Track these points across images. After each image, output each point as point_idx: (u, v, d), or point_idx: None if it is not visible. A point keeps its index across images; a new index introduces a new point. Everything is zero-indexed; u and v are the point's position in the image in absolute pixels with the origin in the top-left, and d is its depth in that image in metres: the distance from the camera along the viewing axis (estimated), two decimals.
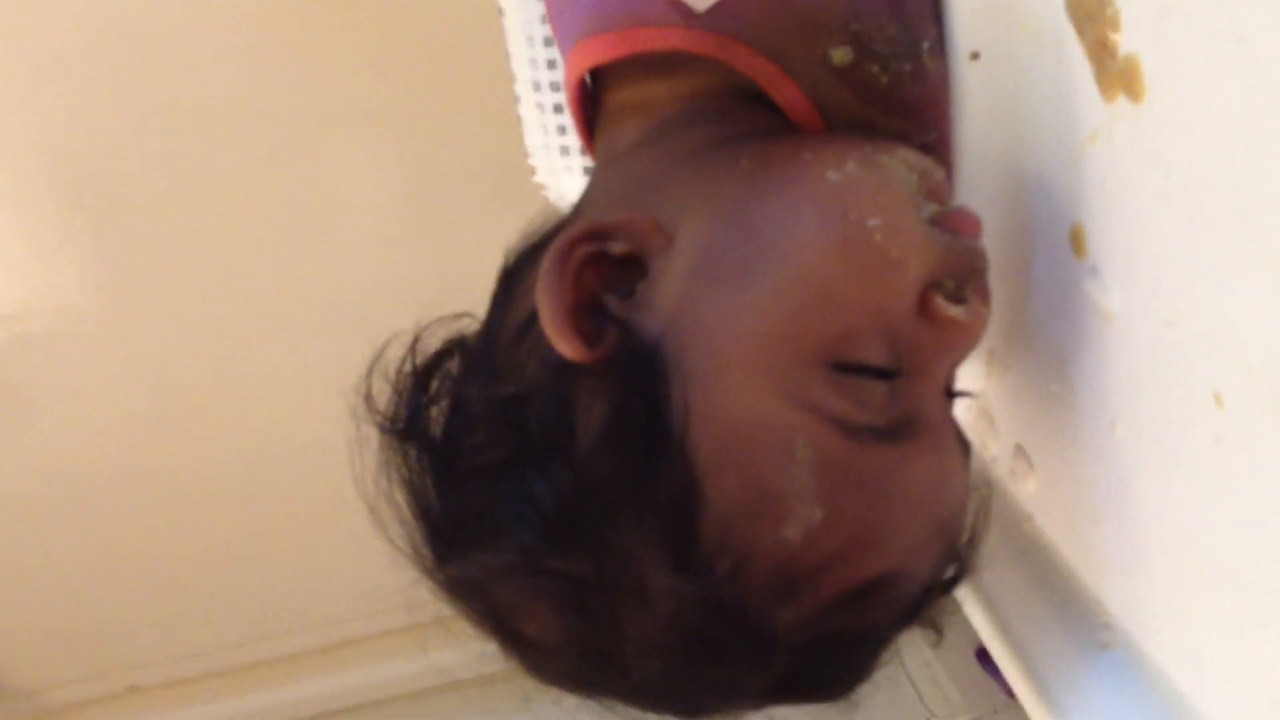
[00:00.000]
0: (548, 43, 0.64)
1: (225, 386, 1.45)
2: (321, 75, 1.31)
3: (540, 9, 0.62)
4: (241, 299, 1.41)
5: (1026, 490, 0.54)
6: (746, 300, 0.40)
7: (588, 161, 0.62)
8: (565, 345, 0.40)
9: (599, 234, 0.42)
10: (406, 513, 0.45)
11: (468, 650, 0.47)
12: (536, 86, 0.66)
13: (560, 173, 0.69)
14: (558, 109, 0.66)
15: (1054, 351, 0.47)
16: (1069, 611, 0.52)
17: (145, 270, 1.38)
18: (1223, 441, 0.38)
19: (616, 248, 0.42)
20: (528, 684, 0.46)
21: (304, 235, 1.39)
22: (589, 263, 0.42)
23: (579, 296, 0.41)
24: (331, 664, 1.64)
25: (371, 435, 0.46)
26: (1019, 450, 0.54)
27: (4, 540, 1.49)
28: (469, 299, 0.48)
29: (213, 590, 1.58)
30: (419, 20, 1.29)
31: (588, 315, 0.41)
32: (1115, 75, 0.39)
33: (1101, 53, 0.40)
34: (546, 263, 0.41)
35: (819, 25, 0.46)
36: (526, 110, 0.69)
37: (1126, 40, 0.38)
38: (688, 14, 0.46)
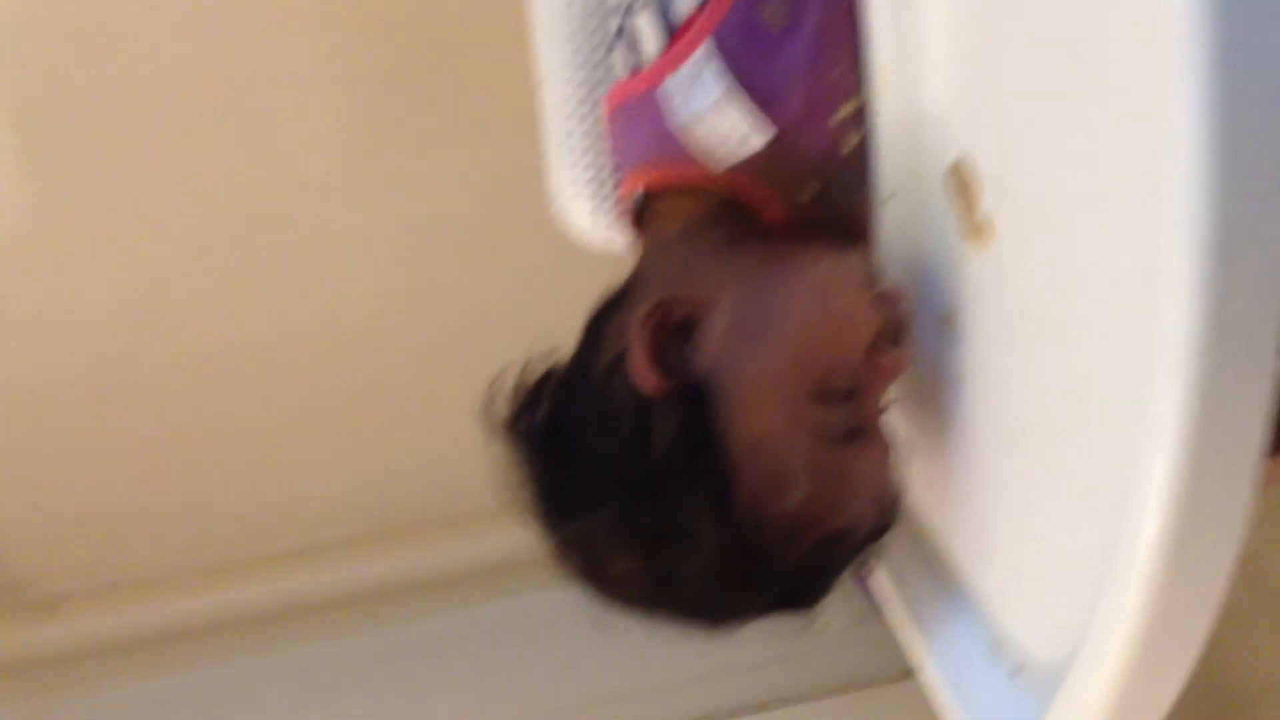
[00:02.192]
0: (580, 101, 0.89)
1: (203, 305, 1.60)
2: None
3: (579, 76, 0.88)
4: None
5: (909, 471, 0.81)
6: (762, 352, 0.66)
7: (591, 184, 0.90)
8: (648, 381, 0.66)
9: (667, 305, 0.68)
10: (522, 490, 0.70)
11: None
12: (569, 134, 0.91)
13: (571, 193, 0.94)
14: (584, 150, 0.90)
15: (929, 390, 0.75)
16: (924, 550, 0.80)
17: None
18: (1026, 462, 0.65)
19: (678, 313, 0.68)
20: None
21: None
22: (660, 324, 0.68)
23: (655, 346, 0.67)
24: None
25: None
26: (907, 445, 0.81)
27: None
28: None
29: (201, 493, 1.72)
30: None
31: (658, 359, 0.67)
32: (975, 226, 0.66)
33: (968, 210, 0.67)
34: (636, 326, 0.67)
35: (798, 172, 0.73)
36: (553, 157, 0.93)
37: (984, 205, 0.66)
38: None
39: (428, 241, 1.64)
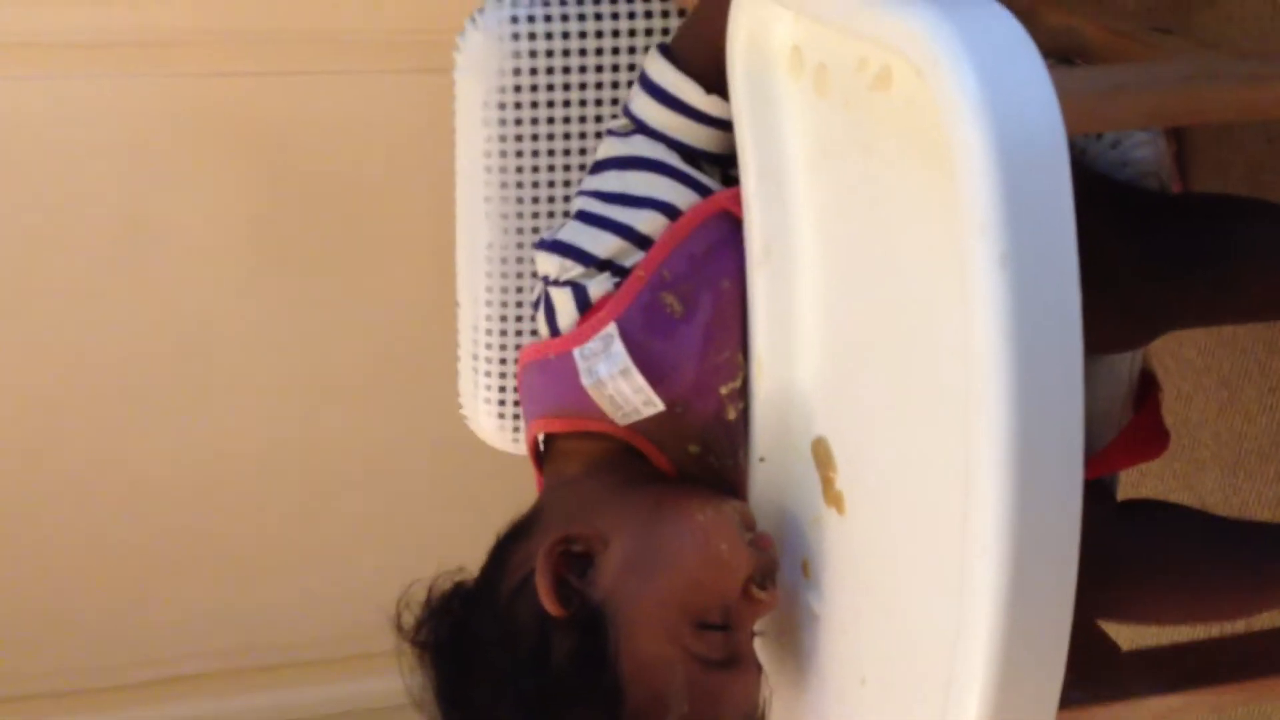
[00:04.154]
0: (489, 332, 1.01)
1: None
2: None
3: (487, 311, 1.00)
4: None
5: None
6: (651, 586, 0.77)
7: (495, 404, 1.01)
8: (550, 606, 0.76)
9: (569, 540, 0.79)
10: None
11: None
12: (475, 356, 1.03)
13: (478, 406, 1.04)
14: (487, 374, 1.02)
15: (786, 629, 0.86)
16: None
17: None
18: (864, 702, 0.77)
19: (577, 547, 0.79)
20: None
21: None
22: (561, 555, 0.78)
23: (556, 575, 0.77)
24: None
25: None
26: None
27: None
28: None
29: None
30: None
31: (559, 587, 0.77)
32: (833, 495, 0.79)
33: (827, 481, 0.80)
34: (541, 555, 0.77)
35: (684, 433, 0.85)
36: (464, 368, 1.05)
37: (840, 480, 0.78)
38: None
39: (324, 390, 1.73)
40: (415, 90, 1.52)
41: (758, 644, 0.83)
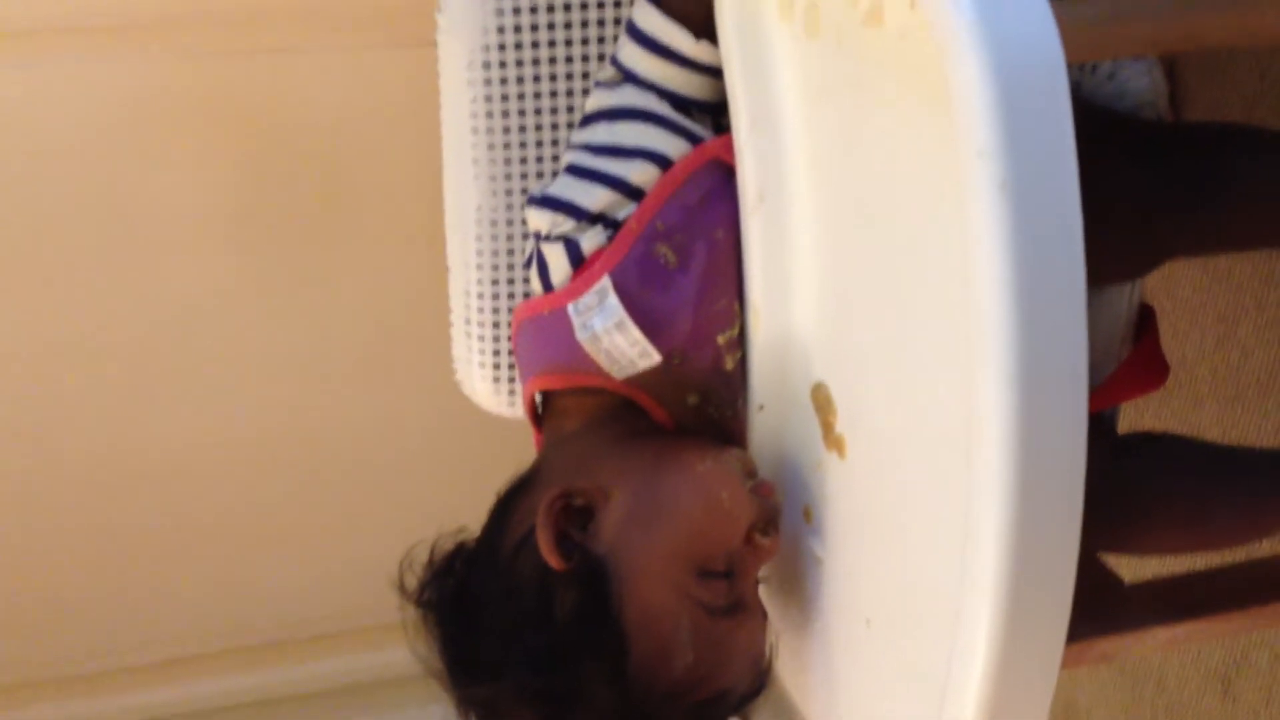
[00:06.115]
0: (480, 296, 1.00)
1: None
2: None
3: (478, 275, 0.99)
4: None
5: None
6: (653, 536, 0.77)
7: (490, 367, 1.00)
8: (552, 560, 0.76)
9: (569, 494, 0.78)
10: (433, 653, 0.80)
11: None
12: (467, 320, 1.02)
13: (472, 370, 1.04)
14: (481, 339, 1.02)
15: (790, 575, 0.86)
16: (783, 709, 0.90)
17: None
18: (870, 643, 0.77)
19: (578, 501, 0.78)
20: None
21: None
22: (562, 509, 0.78)
23: (557, 530, 0.77)
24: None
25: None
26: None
27: None
28: None
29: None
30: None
31: (560, 542, 0.77)
32: (833, 440, 0.79)
33: (827, 426, 0.79)
34: (542, 510, 0.77)
35: (682, 384, 0.85)
36: (457, 334, 1.04)
37: (840, 425, 0.78)
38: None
39: (319, 363, 1.73)
40: (400, 65, 1.52)
41: (762, 590, 0.83)
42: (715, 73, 0.82)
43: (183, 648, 1.84)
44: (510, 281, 1.01)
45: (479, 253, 1.01)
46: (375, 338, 1.72)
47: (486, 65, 0.96)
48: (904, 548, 0.73)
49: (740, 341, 0.84)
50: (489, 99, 0.97)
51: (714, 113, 0.85)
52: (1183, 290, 1.23)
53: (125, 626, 1.80)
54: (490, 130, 0.98)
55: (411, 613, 0.82)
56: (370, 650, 1.76)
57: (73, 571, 1.75)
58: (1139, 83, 0.87)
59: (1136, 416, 1.23)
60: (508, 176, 0.99)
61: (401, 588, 0.82)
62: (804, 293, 0.80)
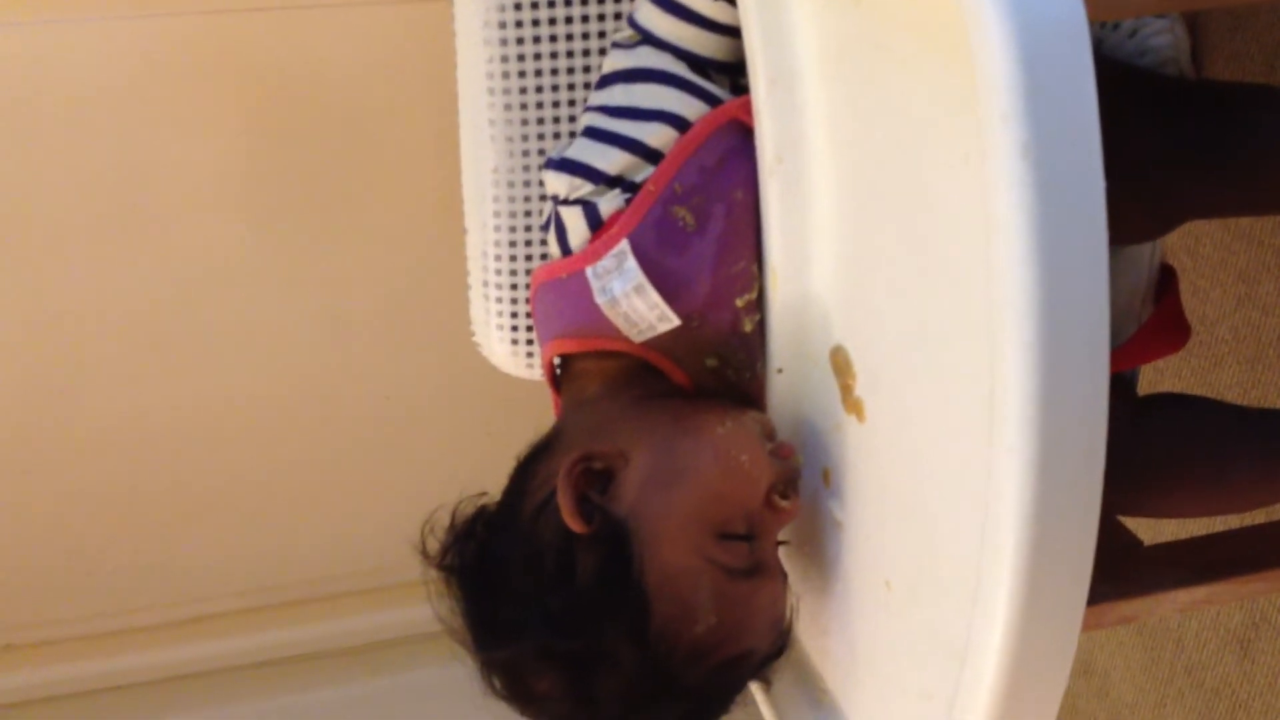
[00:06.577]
0: (498, 258, 1.00)
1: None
2: None
3: (495, 236, 0.99)
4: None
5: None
6: (673, 499, 0.77)
7: (508, 329, 1.00)
8: (573, 523, 0.77)
9: (589, 457, 0.79)
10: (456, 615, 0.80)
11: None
12: (485, 283, 1.02)
13: (490, 333, 1.04)
14: (499, 300, 1.02)
15: (809, 537, 0.86)
16: (803, 671, 0.91)
17: None
18: (890, 606, 0.77)
19: (598, 464, 0.79)
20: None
21: None
22: (583, 473, 0.78)
23: (577, 493, 0.77)
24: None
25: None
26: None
27: None
28: None
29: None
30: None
31: (581, 505, 0.77)
32: (852, 403, 0.79)
33: (846, 389, 0.79)
34: (562, 474, 0.77)
35: (700, 346, 0.85)
36: (475, 296, 1.05)
37: (859, 388, 0.78)
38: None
39: (337, 324, 1.73)
40: (414, 20, 1.51)
41: (782, 553, 0.83)
42: (733, 32, 0.81)
43: (205, 605, 1.86)
44: (528, 243, 1.01)
45: (496, 214, 1.01)
46: (394, 298, 1.73)
47: (503, 25, 0.95)
48: (924, 511, 0.73)
49: (759, 304, 0.84)
50: (505, 59, 0.96)
51: (732, 73, 0.84)
52: (1204, 247, 1.22)
53: (148, 585, 1.82)
54: (507, 90, 0.97)
55: (433, 576, 0.82)
56: (387, 609, 1.77)
57: (95, 533, 1.78)
58: (1161, 40, 0.86)
59: (1156, 377, 1.23)
60: (524, 137, 0.99)
61: (424, 552, 0.82)
62: (823, 255, 0.80)
